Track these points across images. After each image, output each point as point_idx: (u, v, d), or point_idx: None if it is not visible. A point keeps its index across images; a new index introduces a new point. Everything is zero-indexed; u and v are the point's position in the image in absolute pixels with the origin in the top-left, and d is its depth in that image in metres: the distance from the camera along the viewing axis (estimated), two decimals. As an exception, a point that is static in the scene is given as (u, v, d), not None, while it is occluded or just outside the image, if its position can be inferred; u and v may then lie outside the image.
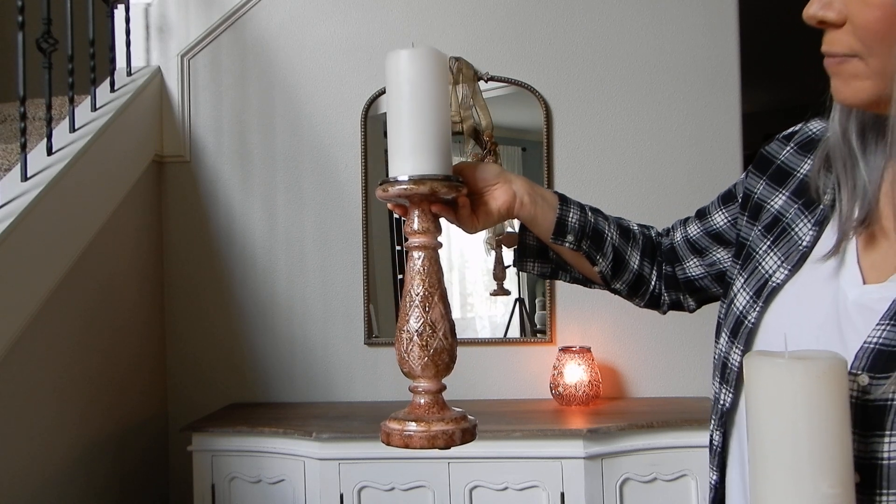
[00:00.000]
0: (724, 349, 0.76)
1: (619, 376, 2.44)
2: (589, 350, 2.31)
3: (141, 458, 2.39)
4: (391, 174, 0.79)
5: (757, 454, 0.57)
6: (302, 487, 2.05)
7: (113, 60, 2.39)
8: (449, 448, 0.76)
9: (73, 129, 2.08)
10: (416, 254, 0.81)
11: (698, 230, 0.92)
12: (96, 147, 2.09)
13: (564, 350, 2.31)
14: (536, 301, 2.51)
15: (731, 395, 0.74)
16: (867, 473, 0.59)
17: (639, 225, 0.99)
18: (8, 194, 1.79)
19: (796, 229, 0.73)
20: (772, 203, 0.78)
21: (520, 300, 2.50)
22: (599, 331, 2.43)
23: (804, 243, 0.71)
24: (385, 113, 0.90)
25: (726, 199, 0.90)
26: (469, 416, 0.79)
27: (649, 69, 2.45)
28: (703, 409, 2.09)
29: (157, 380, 2.51)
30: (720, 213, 0.90)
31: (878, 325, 0.60)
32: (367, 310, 2.50)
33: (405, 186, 0.78)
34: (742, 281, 0.76)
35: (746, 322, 0.73)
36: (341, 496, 2.00)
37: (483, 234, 2.46)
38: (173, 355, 2.56)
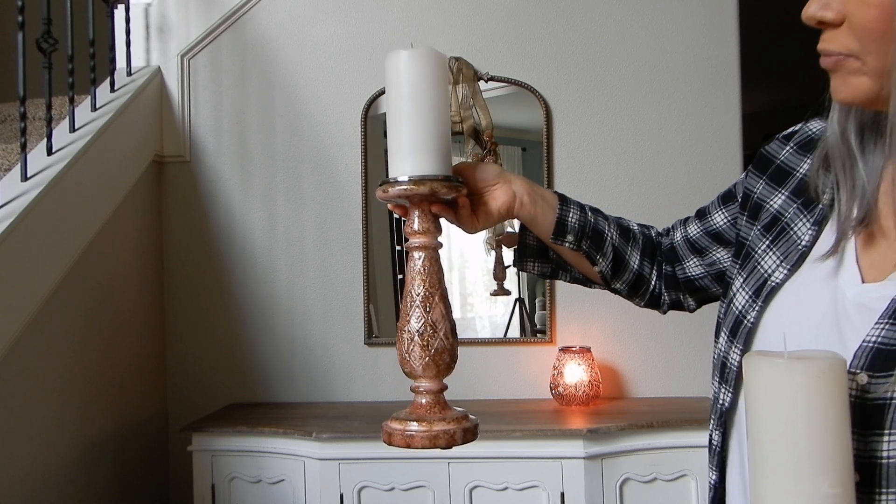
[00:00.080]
0: (723, 349, 0.76)
1: (619, 376, 2.44)
2: (589, 350, 2.31)
3: (141, 458, 2.39)
4: (391, 175, 0.79)
5: (756, 454, 0.57)
6: (302, 487, 2.05)
7: (113, 60, 2.39)
8: (450, 448, 0.77)
9: (73, 129, 2.08)
10: (416, 254, 0.81)
11: (698, 230, 0.92)
12: (96, 147, 2.09)
13: (564, 350, 2.31)
14: (536, 301, 2.51)
15: (730, 394, 0.74)
16: (866, 472, 0.59)
17: (639, 225, 0.99)
18: (8, 194, 1.80)
19: (795, 229, 0.73)
20: (771, 203, 0.78)
21: (520, 300, 2.50)
22: (599, 331, 2.43)
23: (803, 243, 0.71)
24: (385, 113, 0.90)
25: (726, 198, 0.90)
26: (470, 416, 0.80)
27: (649, 69, 2.45)
28: (703, 409, 2.09)
29: (157, 380, 2.51)
30: (720, 212, 0.90)
31: (876, 323, 0.60)
32: (367, 310, 2.50)
33: (405, 187, 0.78)
34: (741, 280, 0.77)
35: (745, 322, 0.73)
36: (341, 496, 2.00)
37: (483, 235, 2.46)
38: (173, 355, 2.56)
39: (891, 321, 0.60)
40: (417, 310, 0.78)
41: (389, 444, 0.78)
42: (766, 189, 0.80)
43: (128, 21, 2.47)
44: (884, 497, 0.58)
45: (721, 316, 0.79)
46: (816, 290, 0.67)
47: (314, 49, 2.55)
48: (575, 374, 2.26)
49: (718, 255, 0.90)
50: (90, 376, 2.11)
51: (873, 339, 0.60)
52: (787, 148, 0.81)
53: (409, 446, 0.76)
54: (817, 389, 0.54)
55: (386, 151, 1.28)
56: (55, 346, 1.95)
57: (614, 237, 0.94)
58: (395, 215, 0.86)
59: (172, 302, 2.57)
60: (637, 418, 2.05)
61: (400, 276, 2.53)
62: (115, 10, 2.44)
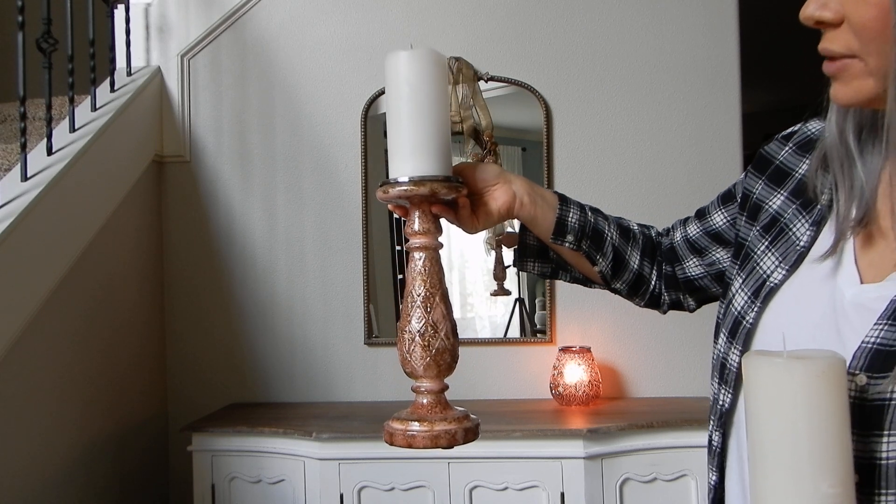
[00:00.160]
0: (722, 349, 0.76)
1: (619, 376, 2.44)
2: (589, 350, 2.31)
3: (141, 458, 2.39)
4: (391, 175, 0.80)
5: (756, 454, 0.57)
6: (302, 487, 2.05)
7: (113, 60, 2.39)
8: (452, 447, 0.77)
9: (73, 129, 2.08)
10: (416, 254, 0.81)
11: (698, 230, 0.92)
12: (96, 147, 2.09)
13: (564, 350, 2.32)
14: (536, 301, 2.51)
15: (729, 395, 0.74)
16: (865, 473, 0.59)
17: (639, 225, 0.99)
18: (8, 194, 1.80)
19: (794, 229, 0.73)
20: (770, 203, 0.78)
21: (520, 300, 2.50)
22: (599, 331, 2.43)
23: (802, 243, 0.71)
24: (385, 113, 0.90)
25: (726, 198, 0.90)
26: (472, 416, 0.80)
27: (649, 69, 2.45)
28: (703, 409, 2.09)
29: (157, 380, 2.51)
30: (719, 212, 0.90)
31: (875, 324, 0.60)
32: (367, 310, 2.50)
33: (405, 188, 0.78)
34: (740, 281, 0.77)
35: (744, 322, 0.73)
36: (341, 496, 2.01)
37: (483, 235, 2.46)
38: (173, 355, 2.56)
39: (890, 322, 0.60)
40: (418, 310, 0.79)
41: (391, 444, 0.78)
42: (765, 189, 0.80)
43: (128, 21, 2.47)
44: (883, 498, 0.58)
45: (720, 317, 0.79)
46: (815, 291, 0.67)
47: (314, 49, 2.55)
48: (575, 374, 2.26)
49: (718, 256, 0.90)
50: (90, 376, 2.11)
51: (872, 339, 0.60)
52: (787, 148, 0.81)
53: (410, 446, 0.76)
54: (817, 389, 0.54)
55: (386, 151, 1.28)
56: (55, 346, 1.95)
57: (614, 237, 0.94)
58: (396, 216, 0.86)
59: (172, 302, 2.57)
60: (637, 418, 2.05)
61: (400, 276, 2.53)
62: (115, 10, 2.44)
